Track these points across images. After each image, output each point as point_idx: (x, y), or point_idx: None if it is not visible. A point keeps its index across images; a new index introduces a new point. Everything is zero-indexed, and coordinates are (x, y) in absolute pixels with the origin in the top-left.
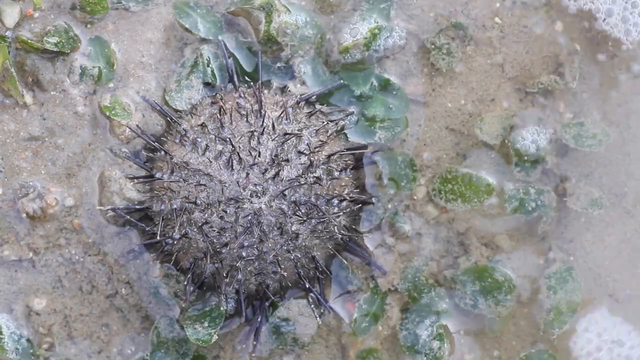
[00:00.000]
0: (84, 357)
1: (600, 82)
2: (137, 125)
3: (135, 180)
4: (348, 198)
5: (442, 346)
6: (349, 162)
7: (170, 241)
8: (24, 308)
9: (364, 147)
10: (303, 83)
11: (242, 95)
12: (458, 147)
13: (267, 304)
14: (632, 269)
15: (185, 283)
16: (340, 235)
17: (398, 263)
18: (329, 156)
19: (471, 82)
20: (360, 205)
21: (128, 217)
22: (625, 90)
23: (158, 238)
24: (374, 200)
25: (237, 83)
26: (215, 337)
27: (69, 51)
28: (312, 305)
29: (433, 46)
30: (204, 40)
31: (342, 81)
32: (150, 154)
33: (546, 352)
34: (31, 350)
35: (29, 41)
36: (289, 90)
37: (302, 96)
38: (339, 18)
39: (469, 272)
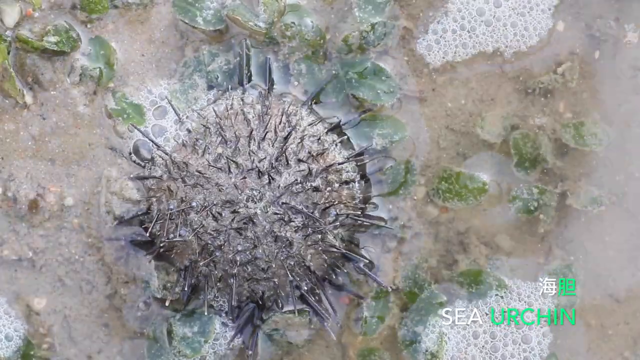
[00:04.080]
0: (83, 357)
1: (601, 82)
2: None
3: (133, 176)
4: (347, 212)
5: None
6: (351, 176)
7: (166, 241)
8: (24, 308)
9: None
10: (298, 82)
11: (247, 99)
12: (458, 146)
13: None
14: (632, 269)
15: (176, 284)
16: (336, 249)
17: (399, 262)
18: (327, 167)
19: (471, 82)
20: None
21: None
22: (625, 89)
23: (148, 236)
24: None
25: (245, 85)
26: (206, 347)
27: (69, 50)
28: (309, 317)
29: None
30: (204, 40)
31: (334, 72)
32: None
33: None
34: (32, 352)
35: (29, 39)
36: (290, 94)
37: (304, 102)
38: (338, 18)
39: (464, 275)
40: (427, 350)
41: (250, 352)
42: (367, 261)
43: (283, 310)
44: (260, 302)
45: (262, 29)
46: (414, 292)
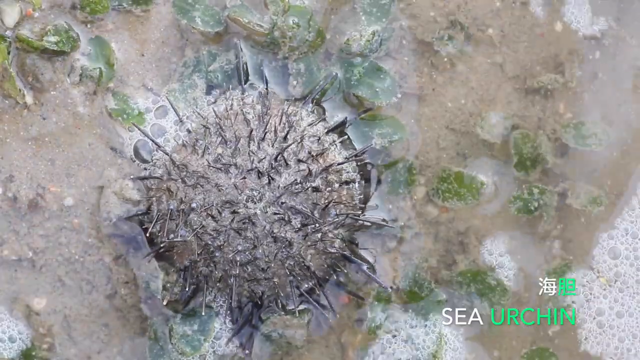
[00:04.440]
0: (83, 357)
1: (600, 82)
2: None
3: (133, 177)
4: (347, 212)
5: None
6: (351, 176)
7: (166, 241)
8: (24, 308)
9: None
10: (297, 82)
11: (247, 99)
12: (458, 146)
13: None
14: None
15: (174, 284)
16: (335, 250)
17: (399, 262)
18: (327, 167)
19: (471, 81)
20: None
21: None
22: (625, 89)
23: (148, 234)
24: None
25: (244, 86)
26: (206, 344)
27: (69, 50)
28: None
29: (434, 38)
30: (204, 40)
31: (334, 74)
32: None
33: (547, 350)
34: (33, 353)
35: (29, 39)
36: (290, 94)
37: (304, 100)
38: (339, 19)
39: (463, 275)
40: (426, 351)
41: (247, 352)
42: (367, 265)
43: (283, 312)
44: (260, 302)
45: (264, 30)
46: (414, 292)
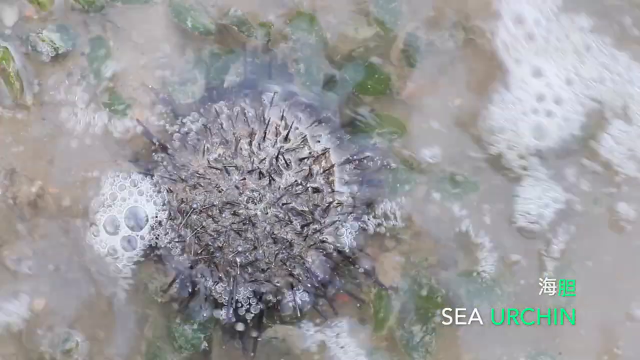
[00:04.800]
0: (83, 357)
1: None
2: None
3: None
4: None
5: (433, 341)
6: (354, 177)
7: (167, 242)
8: (24, 308)
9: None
10: (298, 82)
11: (247, 99)
12: (458, 146)
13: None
14: (633, 268)
15: (171, 284)
16: (334, 251)
17: (399, 261)
18: (328, 168)
19: (471, 81)
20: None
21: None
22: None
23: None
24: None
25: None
26: (205, 344)
27: (69, 50)
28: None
29: (435, 37)
30: (205, 40)
31: (333, 72)
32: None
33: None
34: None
35: (29, 39)
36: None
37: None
38: (340, 19)
39: (461, 276)
40: (426, 350)
41: (252, 354)
42: (367, 265)
43: (283, 315)
44: (260, 303)
45: (260, 40)
46: (413, 292)
